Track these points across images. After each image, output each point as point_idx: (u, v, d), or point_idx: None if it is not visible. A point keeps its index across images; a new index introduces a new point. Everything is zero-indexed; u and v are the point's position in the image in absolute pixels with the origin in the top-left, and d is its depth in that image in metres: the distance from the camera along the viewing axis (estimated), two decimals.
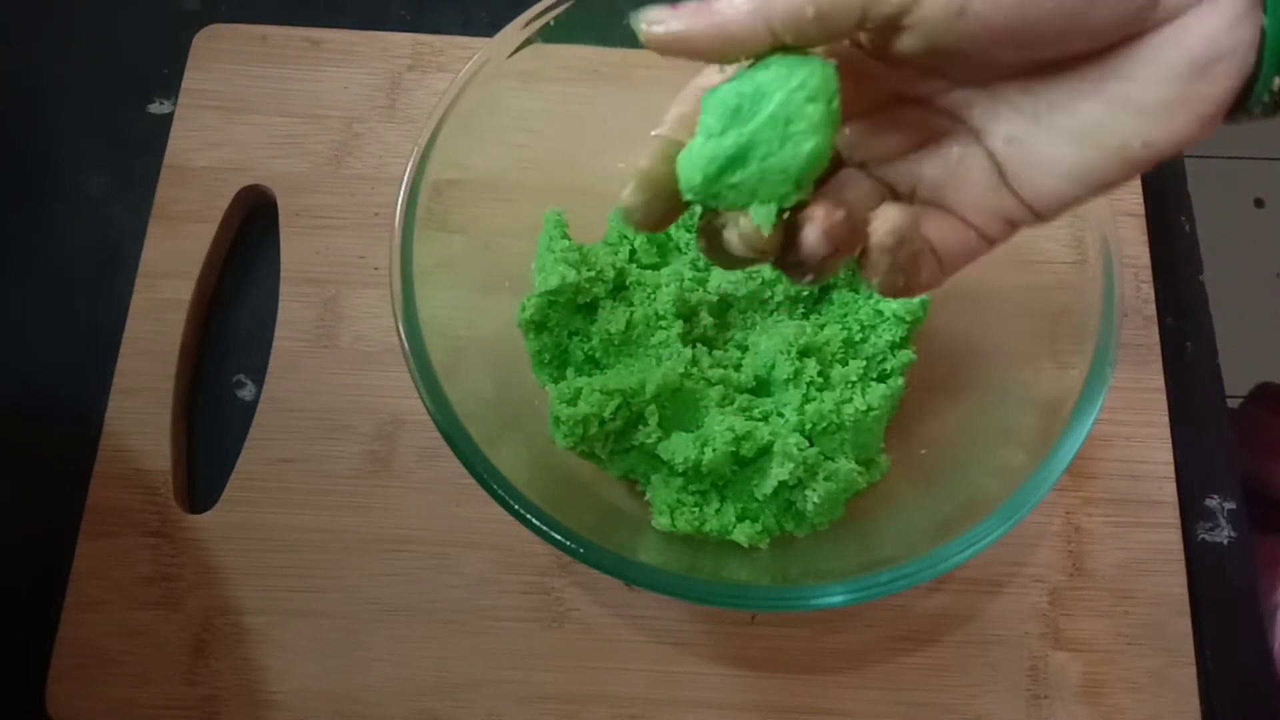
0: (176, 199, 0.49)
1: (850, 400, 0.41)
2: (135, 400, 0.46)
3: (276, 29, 0.53)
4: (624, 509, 0.43)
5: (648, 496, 0.42)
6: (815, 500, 0.40)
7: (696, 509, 0.41)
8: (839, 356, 0.43)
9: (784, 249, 0.28)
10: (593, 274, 0.43)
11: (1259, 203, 1.30)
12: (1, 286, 0.49)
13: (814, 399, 0.41)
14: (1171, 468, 0.46)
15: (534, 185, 0.45)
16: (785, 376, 0.42)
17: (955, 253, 0.29)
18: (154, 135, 0.51)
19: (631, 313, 0.43)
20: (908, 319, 0.43)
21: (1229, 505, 0.46)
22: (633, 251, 0.45)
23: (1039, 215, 0.28)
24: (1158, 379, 0.47)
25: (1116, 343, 0.39)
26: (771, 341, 0.42)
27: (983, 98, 0.28)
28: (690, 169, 0.27)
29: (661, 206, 0.28)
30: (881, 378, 0.43)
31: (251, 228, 0.51)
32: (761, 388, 0.43)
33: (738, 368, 0.43)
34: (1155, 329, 0.48)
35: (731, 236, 0.28)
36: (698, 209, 0.28)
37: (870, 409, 0.41)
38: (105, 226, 0.50)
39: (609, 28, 0.44)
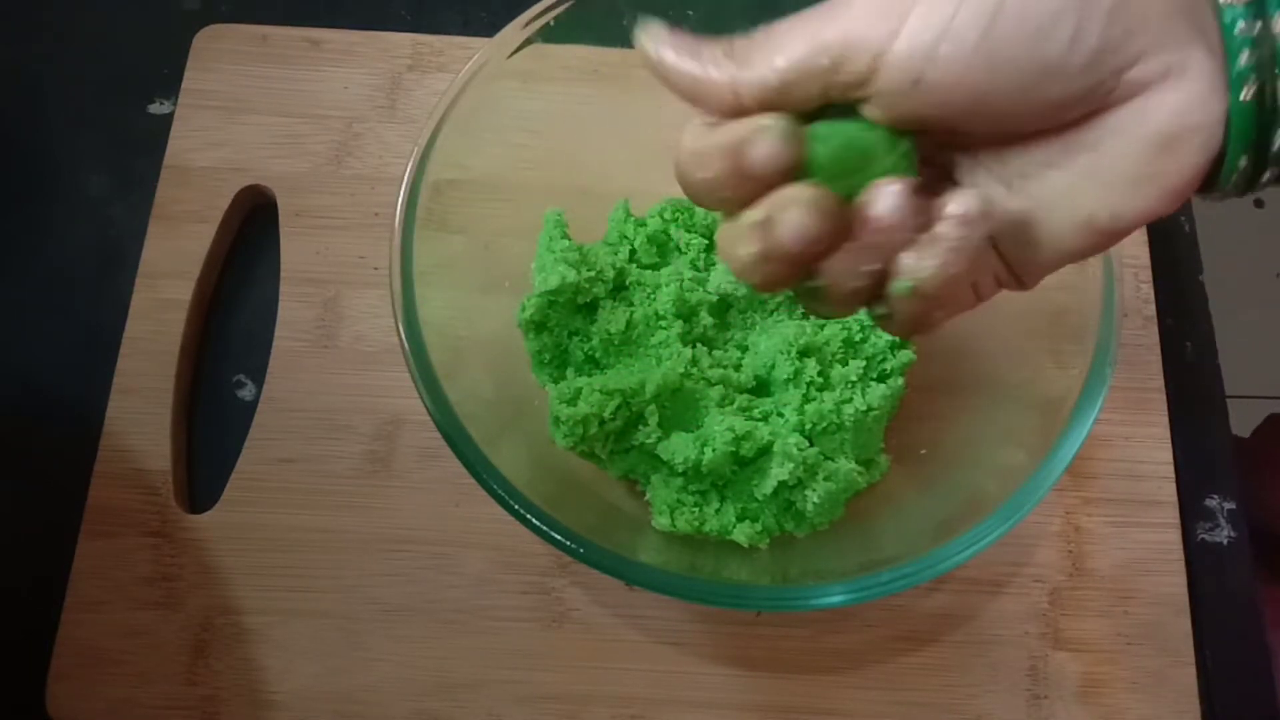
0: (176, 199, 0.49)
1: (850, 400, 0.41)
2: (135, 400, 0.46)
3: (276, 29, 0.53)
4: (624, 509, 0.43)
5: (648, 496, 0.42)
6: (815, 500, 0.40)
7: (696, 509, 0.41)
8: (839, 356, 0.43)
9: (842, 239, 0.27)
10: (593, 274, 0.43)
11: (1259, 203, 1.30)
12: (1, 286, 0.49)
13: (814, 399, 0.41)
14: (1171, 468, 0.46)
15: (534, 185, 0.45)
16: (785, 376, 0.42)
17: (955, 300, 0.29)
18: (154, 135, 0.51)
19: (631, 313, 0.43)
20: None
21: (1229, 505, 0.46)
22: (633, 251, 0.45)
23: (1020, 281, 0.29)
24: (1157, 379, 0.47)
25: (1116, 343, 0.39)
26: (771, 341, 0.42)
27: (966, 160, 0.28)
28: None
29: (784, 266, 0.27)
30: (881, 378, 0.43)
31: (251, 228, 0.51)
32: (761, 388, 0.43)
33: (738, 368, 0.43)
34: (1155, 329, 0.48)
35: (794, 219, 0.26)
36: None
37: (870, 409, 0.41)
38: (105, 226, 0.50)
39: (609, 28, 0.44)
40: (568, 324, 0.44)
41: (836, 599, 0.36)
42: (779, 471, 0.39)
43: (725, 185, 0.26)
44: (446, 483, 0.45)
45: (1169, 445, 0.46)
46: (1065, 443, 0.38)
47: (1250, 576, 0.45)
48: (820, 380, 0.41)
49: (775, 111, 0.26)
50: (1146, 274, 0.49)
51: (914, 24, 0.24)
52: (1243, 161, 0.24)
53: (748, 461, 0.40)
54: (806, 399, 0.41)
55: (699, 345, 0.43)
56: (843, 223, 0.26)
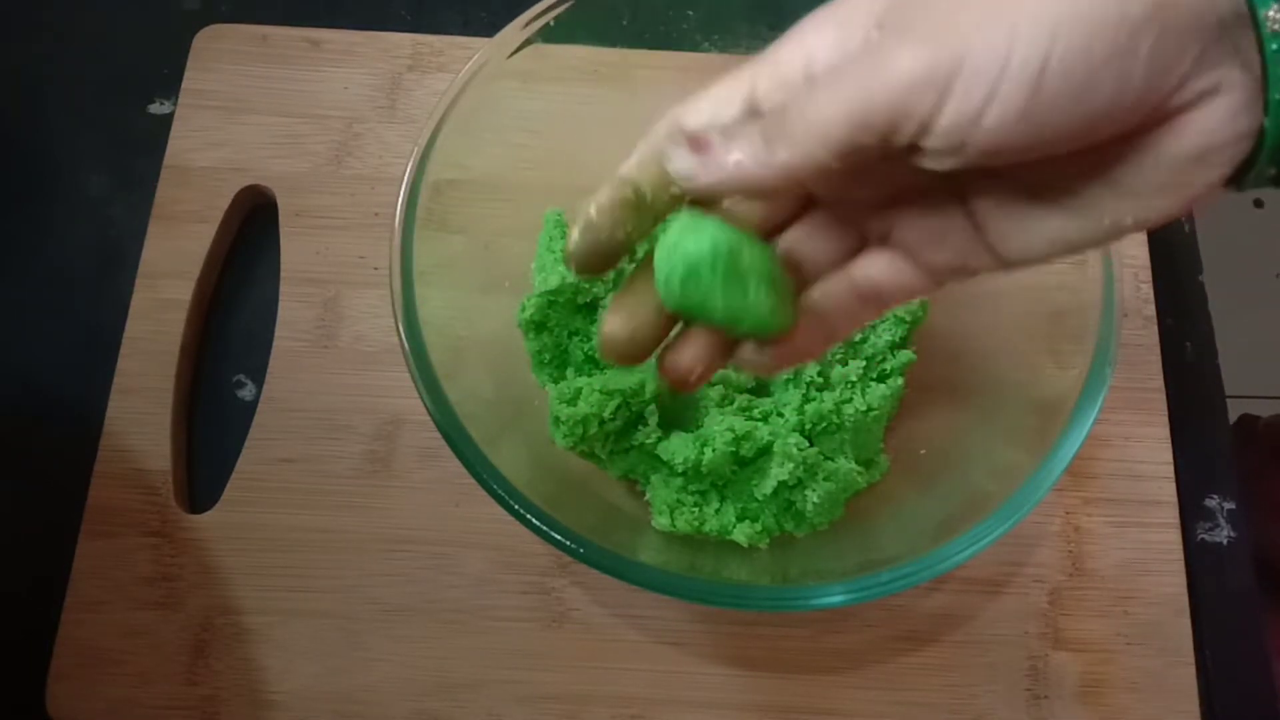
0: (176, 199, 0.49)
1: (850, 400, 0.41)
2: (135, 400, 0.46)
3: (276, 29, 0.53)
4: (624, 509, 0.43)
5: (647, 496, 0.42)
6: (815, 500, 0.40)
7: (696, 509, 0.41)
8: (839, 356, 0.43)
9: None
10: None
11: (1259, 203, 1.30)
12: (1, 286, 0.49)
13: (814, 399, 0.41)
14: (1171, 468, 0.46)
15: (534, 185, 0.45)
16: (785, 376, 0.42)
17: (894, 292, 0.29)
18: (154, 135, 0.51)
19: None
20: (907, 319, 0.43)
21: (1228, 505, 0.46)
22: (633, 252, 0.45)
23: (1006, 266, 0.29)
24: (1157, 379, 0.47)
25: (1116, 343, 0.39)
26: None
27: (983, 176, 0.28)
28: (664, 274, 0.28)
29: (599, 260, 0.29)
30: (881, 378, 0.43)
31: (251, 228, 0.51)
32: (761, 388, 0.43)
33: (737, 368, 0.43)
34: (1155, 329, 0.48)
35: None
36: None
37: (870, 409, 0.41)
38: (105, 226, 0.50)
39: (609, 28, 0.44)
40: (568, 324, 0.44)
41: (836, 599, 0.36)
42: (779, 471, 0.39)
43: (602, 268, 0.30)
44: (446, 483, 0.45)
45: (1169, 445, 0.46)
46: (1065, 443, 0.38)
47: (1250, 576, 0.45)
48: (820, 380, 0.41)
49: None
50: (1146, 274, 0.49)
51: (960, 93, 0.23)
52: (1271, 172, 0.25)
53: (747, 461, 0.40)
54: (806, 399, 0.41)
55: None
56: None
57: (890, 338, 0.43)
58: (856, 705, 0.42)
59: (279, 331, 0.47)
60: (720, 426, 0.40)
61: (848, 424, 0.41)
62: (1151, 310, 0.49)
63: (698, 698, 0.42)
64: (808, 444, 0.41)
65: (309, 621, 0.43)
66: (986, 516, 0.37)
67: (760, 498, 0.40)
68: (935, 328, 0.45)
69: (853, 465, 0.41)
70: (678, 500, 0.41)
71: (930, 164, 0.25)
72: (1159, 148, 0.25)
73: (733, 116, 0.27)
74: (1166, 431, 0.46)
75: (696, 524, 0.40)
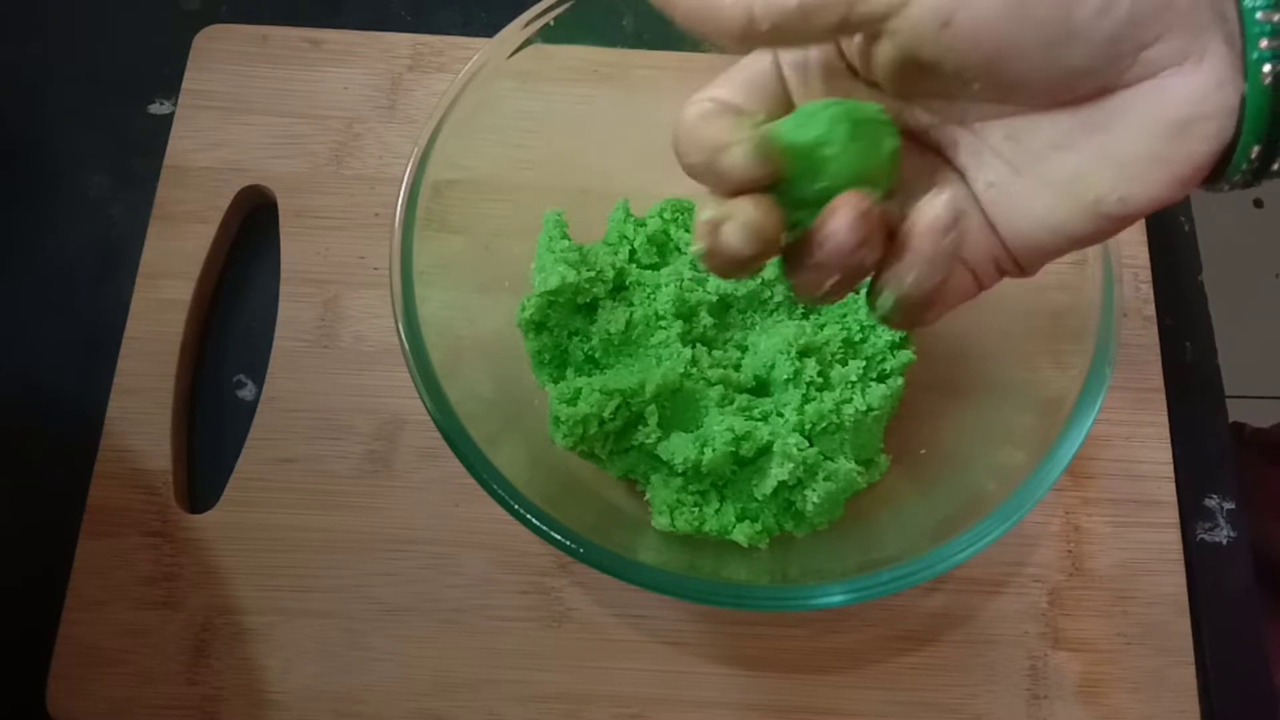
0: (177, 199, 0.49)
1: (850, 400, 0.41)
2: (135, 400, 0.46)
3: (276, 29, 0.53)
4: (624, 509, 0.43)
5: (647, 496, 0.42)
6: (815, 500, 0.40)
7: (696, 509, 0.41)
8: (839, 356, 0.43)
9: (802, 253, 0.27)
10: (592, 274, 0.43)
11: (1258, 203, 1.30)
12: (1, 286, 0.49)
13: (814, 399, 0.41)
14: (1171, 468, 0.46)
15: (534, 185, 0.45)
16: (785, 376, 0.42)
17: (953, 291, 0.29)
18: (154, 135, 0.51)
19: (631, 313, 0.43)
20: None
21: (1228, 505, 0.46)
22: (632, 252, 0.45)
23: (1021, 267, 0.29)
24: (1157, 379, 0.47)
25: (1116, 343, 0.39)
26: (771, 341, 0.42)
27: (967, 138, 0.28)
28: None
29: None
30: (881, 378, 0.43)
31: (251, 228, 0.51)
32: (761, 388, 0.43)
33: (737, 368, 0.43)
34: (1154, 329, 0.48)
35: (732, 232, 0.27)
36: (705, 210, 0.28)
37: (870, 409, 0.41)
38: (105, 226, 0.50)
39: (609, 28, 0.44)
40: (568, 324, 0.44)
41: (836, 599, 0.36)
42: (779, 471, 0.39)
43: (703, 177, 0.27)
44: (446, 483, 0.45)
45: (1169, 445, 0.46)
46: (1065, 443, 0.38)
47: (1250, 576, 0.45)
48: (820, 380, 0.41)
49: (789, 45, 0.26)
50: (1146, 274, 0.49)
51: None
52: (1255, 151, 0.24)
53: (747, 461, 0.40)
54: (806, 399, 0.41)
55: (699, 345, 0.43)
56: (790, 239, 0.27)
57: (890, 338, 0.43)
58: (856, 705, 0.42)
59: (279, 331, 0.47)
60: (720, 426, 0.40)
61: (848, 424, 0.41)
62: (1151, 310, 0.49)
63: (698, 698, 0.42)
64: (808, 444, 0.41)
65: (309, 621, 0.43)
66: (986, 516, 0.37)
67: (760, 498, 0.40)
68: (935, 328, 0.44)
69: (853, 465, 0.41)
70: (678, 500, 0.41)
71: (900, 47, 0.25)
72: (1139, 110, 0.25)
73: None
74: (1166, 431, 0.46)
75: (696, 524, 0.40)
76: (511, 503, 0.37)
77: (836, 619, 0.43)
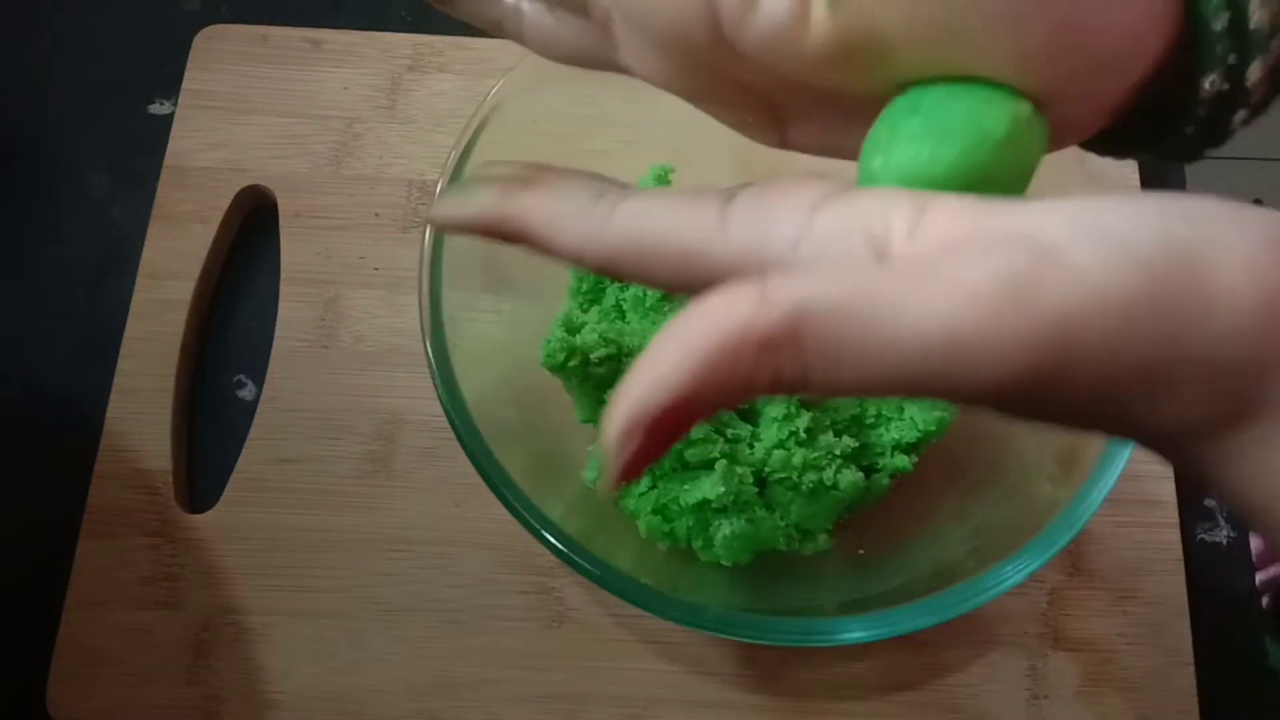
0: (177, 199, 0.49)
1: (819, 469, 0.39)
2: (135, 400, 0.46)
3: (277, 29, 0.53)
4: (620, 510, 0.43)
5: (591, 448, 0.41)
6: (726, 533, 0.39)
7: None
8: (837, 426, 0.41)
9: None
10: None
11: (1258, 203, 1.30)
12: (2, 286, 0.49)
13: (786, 449, 0.39)
14: (1171, 467, 0.46)
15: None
16: (774, 415, 0.40)
17: None
18: (154, 135, 0.51)
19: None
20: (922, 429, 0.41)
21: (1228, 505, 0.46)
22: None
23: None
24: None
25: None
26: None
27: None
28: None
29: None
30: (866, 469, 0.41)
31: (251, 228, 0.51)
32: (750, 412, 0.42)
33: None
34: None
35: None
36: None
37: (833, 488, 0.39)
38: (106, 226, 0.50)
39: None
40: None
41: (856, 634, 0.36)
42: (709, 489, 0.38)
43: None
44: (446, 483, 0.45)
45: None
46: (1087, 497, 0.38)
47: (1250, 576, 0.45)
48: (803, 436, 0.39)
49: None
50: None
51: None
52: (1211, 80, 0.21)
53: (690, 466, 0.39)
54: (780, 445, 0.39)
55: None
56: None
57: (896, 436, 0.41)
58: (856, 704, 0.42)
59: (279, 331, 0.47)
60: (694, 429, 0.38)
61: (804, 488, 0.39)
62: None
63: (698, 698, 0.42)
64: (755, 486, 0.39)
65: (309, 621, 0.43)
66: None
67: (682, 503, 0.39)
68: (949, 450, 0.43)
69: (786, 524, 0.40)
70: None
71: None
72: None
73: None
74: None
75: (615, 496, 0.39)
76: (513, 503, 0.36)
77: None
